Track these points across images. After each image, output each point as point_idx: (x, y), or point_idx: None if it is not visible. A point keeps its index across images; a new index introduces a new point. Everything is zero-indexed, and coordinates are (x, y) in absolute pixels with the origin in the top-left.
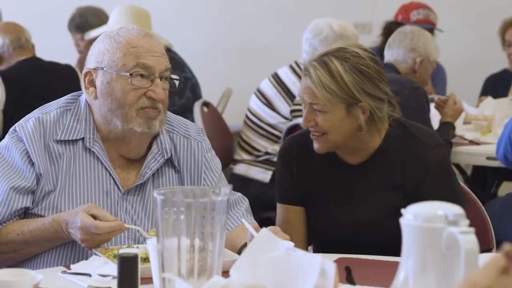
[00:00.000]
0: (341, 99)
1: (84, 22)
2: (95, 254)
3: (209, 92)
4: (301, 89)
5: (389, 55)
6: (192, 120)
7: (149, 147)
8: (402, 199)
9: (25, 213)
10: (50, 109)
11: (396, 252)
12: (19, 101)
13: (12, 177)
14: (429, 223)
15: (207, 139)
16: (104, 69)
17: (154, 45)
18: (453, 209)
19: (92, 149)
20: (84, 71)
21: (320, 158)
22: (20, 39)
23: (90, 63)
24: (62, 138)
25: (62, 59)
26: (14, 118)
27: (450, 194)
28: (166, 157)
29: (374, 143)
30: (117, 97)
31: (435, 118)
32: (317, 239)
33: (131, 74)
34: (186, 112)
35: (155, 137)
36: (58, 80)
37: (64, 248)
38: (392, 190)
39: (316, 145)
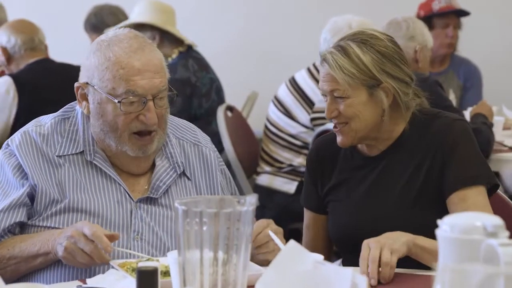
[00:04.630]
0: (361, 81)
1: (100, 21)
2: (113, 267)
3: (233, 95)
4: (320, 79)
5: None
6: (216, 125)
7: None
8: (424, 186)
9: (28, 225)
10: (45, 121)
11: None
12: (31, 107)
13: (3, 197)
14: (467, 234)
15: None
16: (95, 87)
17: (146, 63)
18: (492, 220)
19: (93, 161)
20: (76, 84)
21: (342, 156)
22: (33, 40)
23: (82, 77)
24: (61, 154)
25: (77, 61)
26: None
27: (478, 166)
28: (179, 172)
29: (396, 132)
30: (108, 119)
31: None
32: (338, 239)
33: (119, 101)
34: (211, 115)
35: (164, 148)
36: (71, 83)
37: None
38: (412, 176)
39: (339, 139)
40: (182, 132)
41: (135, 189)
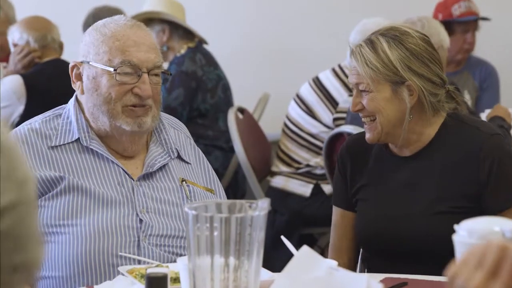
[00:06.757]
0: (384, 77)
1: None
2: (121, 274)
3: (244, 97)
4: (349, 73)
5: None
6: (226, 124)
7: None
8: (455, 194)
9: None
10: (35, 120)
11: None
12: (39, 109)
13: None
14: (485, 240)
15: None
16: (90, 63)
17: (142, 37)
18: (510, 225)
19: (90, 147)
20: (70, 64)
21: (374, 154)
22: (45, 38)
23: (78, 58)
24: (56, 144)
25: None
26: None
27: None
28: (173, 157)
29: (428, 134)
30: (102, 92)
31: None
32: (363, 238)
33: (115, 70)
34: (218, 112)
35: (159, 134)
36: None
37: (87, 268)
38: (441, 182)
39: (367, 135)
40: (176, 124)
41: (132, 172)
